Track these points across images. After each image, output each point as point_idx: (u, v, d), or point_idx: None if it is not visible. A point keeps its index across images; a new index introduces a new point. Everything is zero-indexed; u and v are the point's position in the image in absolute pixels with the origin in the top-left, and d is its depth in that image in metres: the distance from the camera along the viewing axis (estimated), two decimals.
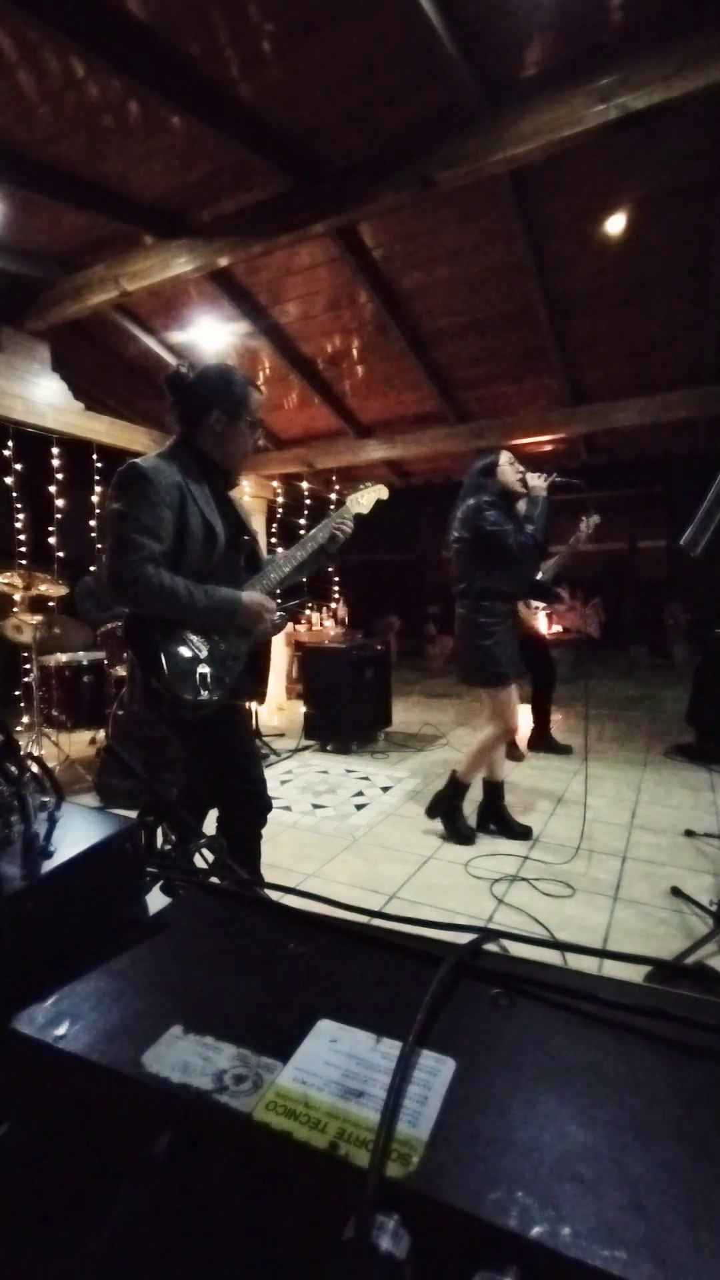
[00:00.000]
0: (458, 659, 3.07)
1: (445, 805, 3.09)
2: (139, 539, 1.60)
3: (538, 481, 2.90)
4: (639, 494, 9.52)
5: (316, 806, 3.57)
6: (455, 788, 3.08)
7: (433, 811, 3.12)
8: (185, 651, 1.69)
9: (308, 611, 6.82)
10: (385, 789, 3.88)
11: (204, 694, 1.70)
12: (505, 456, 2.94)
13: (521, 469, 2.93)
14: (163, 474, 1.67)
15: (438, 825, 3.23)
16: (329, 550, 2.05)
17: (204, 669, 1.71)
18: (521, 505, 2.91)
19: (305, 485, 6.73)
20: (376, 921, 0.63)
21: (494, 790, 3.15)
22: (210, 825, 1.94)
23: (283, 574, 1.95)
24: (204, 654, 1.72)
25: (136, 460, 1.68)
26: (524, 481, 2.90)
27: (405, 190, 2.83)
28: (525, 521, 2.83)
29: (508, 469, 2.90)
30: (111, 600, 1.74)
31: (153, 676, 1.64)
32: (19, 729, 4.45)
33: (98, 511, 5.00)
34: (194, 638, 1.72)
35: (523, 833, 3.06)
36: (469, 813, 3.17)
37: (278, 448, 6.17)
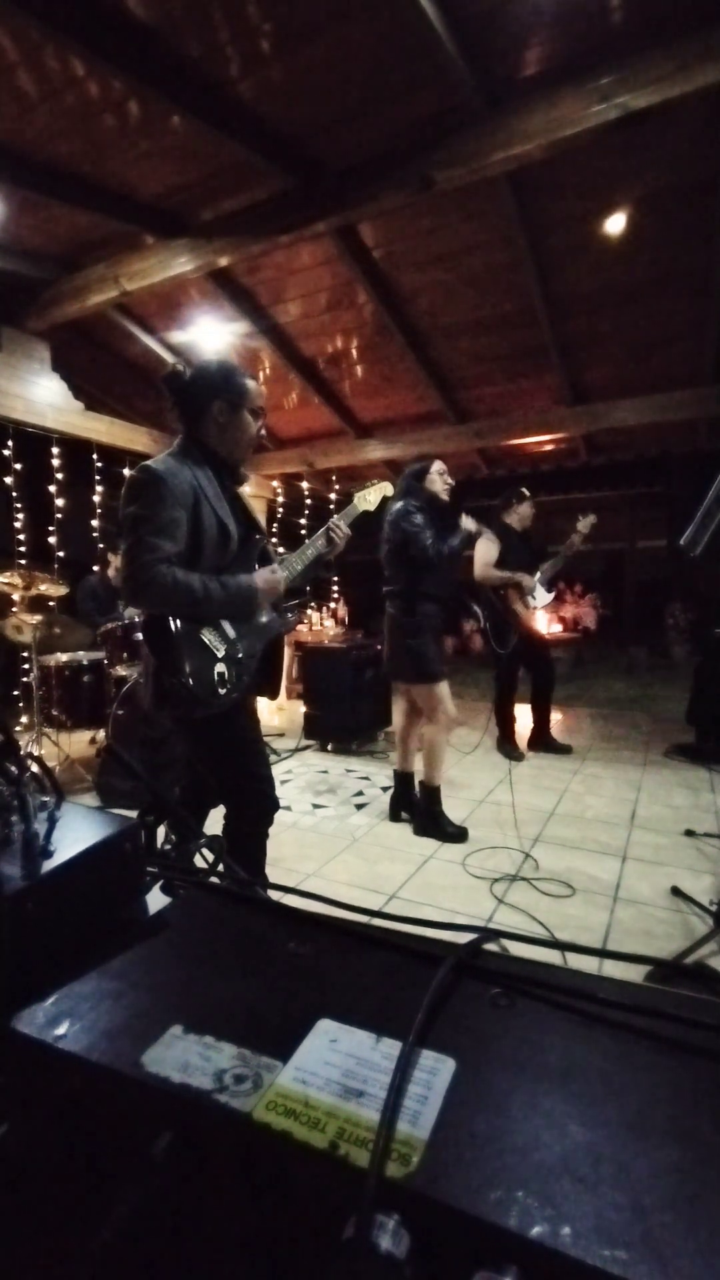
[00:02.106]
0: (388, 658, 3.21)
1: (426, 815, 3.12)
2: (154, 541, 1.60)
3: (468, 524, 3.07)
4: (639, 494, 9.53)
5: (316, 806, 3.57)
6: (428, 795, 3.12)
7: (421, 829, 3.12)
8: (203, 650, 1.69)
9: (308, 611, 6.82)
10: (385, 789, 3.88)
11: (221, 691, 1.70)
12: (437, 466, 3.09)
13: (449, 481, 3.09)
14: (176, 475, 1.66)
15: None
16: (326, 557, 2.05)
17: (220, 667, 1.71)
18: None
19: (305, 485, 6.73)
20: (376, 921, 0.63)
21: (405, 780, 3.29)
22: (212, 825, 1.94)
23: (295, 571, 1.96)
24: (221, 653, 1.73)
25: (149, 463, 1.68)
26: (451, 491, 3.08)
27: (405, 190, 2.83)
28: (445, 534, 2.95)
29: (436, 478, 3.06)
30: (130, 604, 1.76)
31: (169, 675, 1.64)
32: (19, 729, 4.45)
33: (98, 511, 5.00)
34: (211, 637, 1.72)
35: (456, 834, 3.06)
36: (460, 816, 3.17)
37: (278, 447, 6.17)
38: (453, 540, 2.96)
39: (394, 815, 3.32)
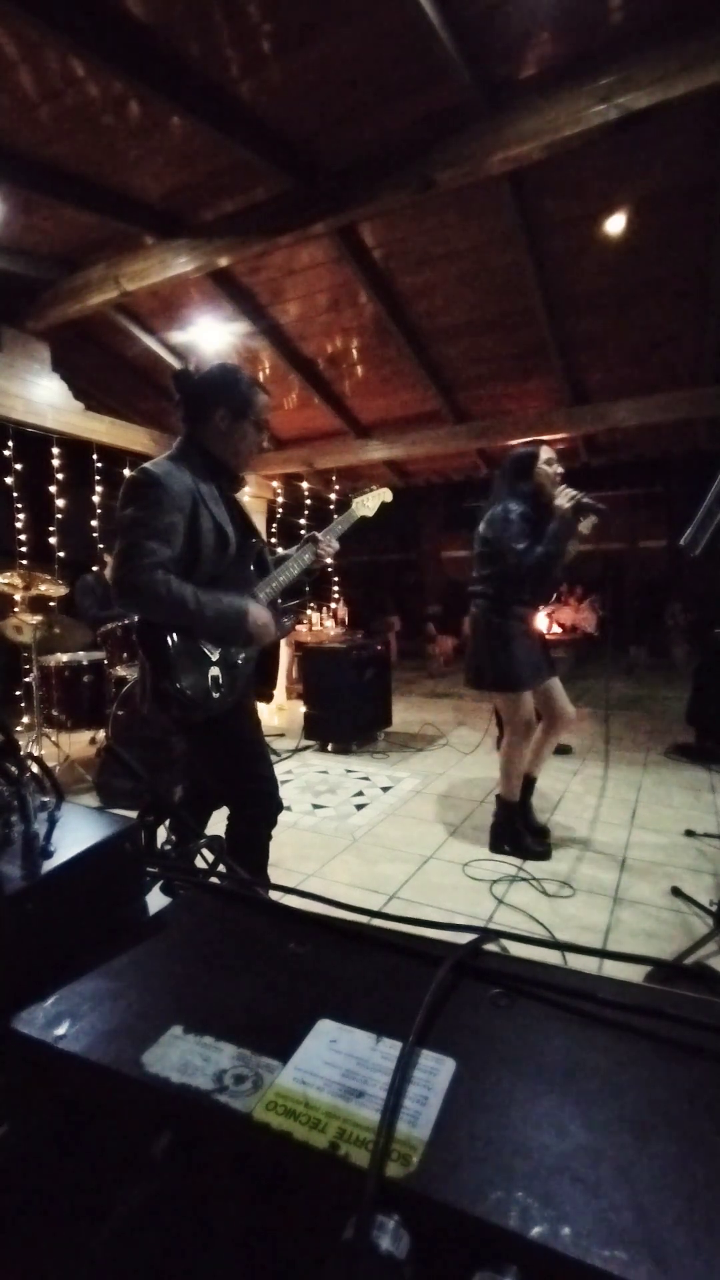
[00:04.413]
0: (468, 660, 2.95)
1: (506, 831, 2.91)
2: (149, 545, 1.58)
3: (563, 500, 2.66)
4: (639, 494, 9.54)
5: (316, 806, 3.57)
6: (505, 810, 2.92)
7: (496, 845, 2.92)
8: (197, 653, 1.69)
9: (308, 611, 6.83)
10: (385, 789, 3.88)
11: (215, 695, 1.70)
12: (545, 454, 2.75)
13: (559, 469, 2.76)
14: (175, 479, 1.66)
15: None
16: (314, 570, 2.04)
17: (215, 670, 1.71)
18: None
19: (305, 485, 6.73)
20: (376, 921, 0.63)
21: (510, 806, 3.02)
22: (214, 825, 1.94)
23: (292, 575, 1.96)
24: (215, 656, 1.72)
25: (147, 465, 1.67)
26: (554, 491, 2.72)
27: (405, 190, 2.82)
28: (537, 539, 2.65)
29: (545, 469, 2.73)
30: (120, 607, 1.74)
31: (164, 678, 1.64)
32: (19, 729, 4.45)
33: (98, 511, 5.01)
34: (205, 640, 1.72)
35: (541, 851, 2.85)
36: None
37: (278, 448, 6.16)
38: (539, 547, 2.63)
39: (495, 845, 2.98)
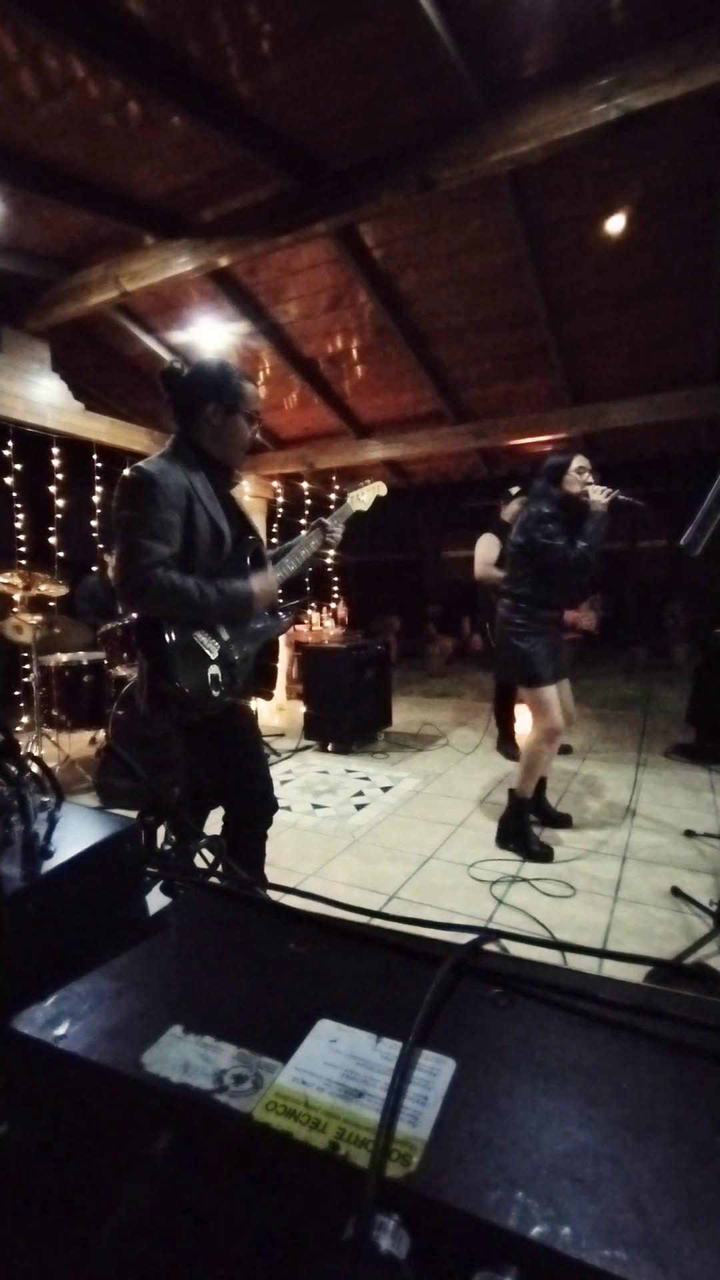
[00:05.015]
0: (495, 653, 3.13)
1: (514, 826, 2.91)
2: (148, 544, 1.60)
3: (599, 496, 2.79)
4: (639, 494, 9.53)
5: (316, 806, 3.57)
6: (516, 805, 2.92)
7: (502, 840, 2.94)
8: (196, 653, 1.69)
9: (308, 611, 6.83)
10: (385, 789, 3.88)
11: (215, 694, 1.70)
12: (576, 463, 2.86)
13: (589, 479, 2.85)
14: (168, 477, 1.66)
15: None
16: (320, 558, 2.07)
17: (214, 670, 1.71)
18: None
19: (305, 485, 6.73)
20: (376, 921, 0.63)
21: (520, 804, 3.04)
22: (212, 825, 1.94)
23: (288, 572, 1.97)
24: (214, 655, 1.72)
25: (141, 465, 1.68)
26: (585, 493, 2.82)
27: (405, 190, 2.82)
28: (580, 536, 2.74)
29: (573, 477, 2.83)
30: (126, 607, 1.75)
31: (163, 678, 1.64)
32: (19, 729, 4.45)
33: (98, 511, 5.01)
34: (204, 639, 1.72)
35: (542, 853, 2.83)
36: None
37: (278, 448, 6.16)
38: (590, 536, 2.73)
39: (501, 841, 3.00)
